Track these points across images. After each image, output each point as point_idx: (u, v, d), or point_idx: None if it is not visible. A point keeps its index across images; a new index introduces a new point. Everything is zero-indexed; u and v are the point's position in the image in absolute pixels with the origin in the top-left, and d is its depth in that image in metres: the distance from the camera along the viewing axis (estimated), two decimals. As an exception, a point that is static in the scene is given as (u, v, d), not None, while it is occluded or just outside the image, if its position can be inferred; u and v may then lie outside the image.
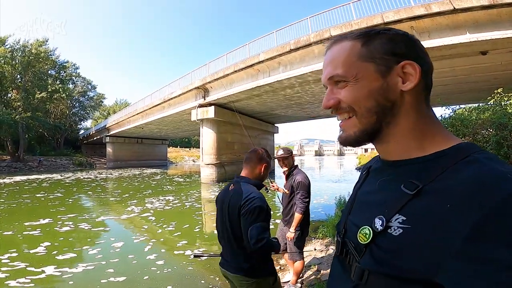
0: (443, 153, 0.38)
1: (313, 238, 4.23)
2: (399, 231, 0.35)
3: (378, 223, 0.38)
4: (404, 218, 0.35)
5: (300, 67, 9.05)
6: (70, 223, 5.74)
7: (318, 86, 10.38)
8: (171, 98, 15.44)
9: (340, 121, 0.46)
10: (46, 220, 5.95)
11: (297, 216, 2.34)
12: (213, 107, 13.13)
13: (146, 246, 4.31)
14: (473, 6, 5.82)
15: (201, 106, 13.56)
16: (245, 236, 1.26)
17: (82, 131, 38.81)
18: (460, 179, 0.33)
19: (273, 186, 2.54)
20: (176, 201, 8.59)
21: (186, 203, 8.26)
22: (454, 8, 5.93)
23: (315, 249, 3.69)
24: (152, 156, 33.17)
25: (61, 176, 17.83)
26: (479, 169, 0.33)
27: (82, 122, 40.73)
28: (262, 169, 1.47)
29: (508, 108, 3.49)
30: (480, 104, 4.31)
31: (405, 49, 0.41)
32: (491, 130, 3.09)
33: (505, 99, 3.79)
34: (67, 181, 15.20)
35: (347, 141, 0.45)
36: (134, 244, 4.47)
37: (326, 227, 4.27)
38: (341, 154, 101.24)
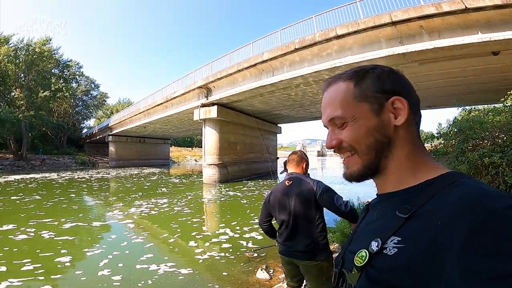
0: (432, 181, 0.40)
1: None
2: (394, 250, 0.36)
3: (374, 245, 0.39)
4: (399, 239, 0.37)
5: (305, 66, 8.90)
6: (32, 230, 5.16)
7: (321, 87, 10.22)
8: (174, 98, 15.34)
9: (343, 158, 0.48)
10: (10, 226, 5.38)
11: None
12: (215, 106, 13.01)
13: (102, 260, 3.73)
14: (485, 6, 5.64)
15: (203, 105, 13.45)
16: (335, 206, 1.57)
17: (85, 130, 39.00)
18: (449, 200, 0.35)
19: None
20: (165, 205, 7.94)
21: (175, 208, 7.60)
22: (466, 7, 5.75)
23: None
24: (155, 156, 33.20)
25: (57, 175, 17.51)
26: (466, 189, 0.35)
27: (85, 121, 41.00)
28: (304, 166, 1.79)
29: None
30: (495, 105, 4.15)
31: (392, 85, 0.44)
32: (511, 134, 2.92)
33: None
34: (60, 181, 14.64)
35: (352, 177, 0.47)
36: (87, 258, 3.93)
37: (333, 232, 4.12)
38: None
